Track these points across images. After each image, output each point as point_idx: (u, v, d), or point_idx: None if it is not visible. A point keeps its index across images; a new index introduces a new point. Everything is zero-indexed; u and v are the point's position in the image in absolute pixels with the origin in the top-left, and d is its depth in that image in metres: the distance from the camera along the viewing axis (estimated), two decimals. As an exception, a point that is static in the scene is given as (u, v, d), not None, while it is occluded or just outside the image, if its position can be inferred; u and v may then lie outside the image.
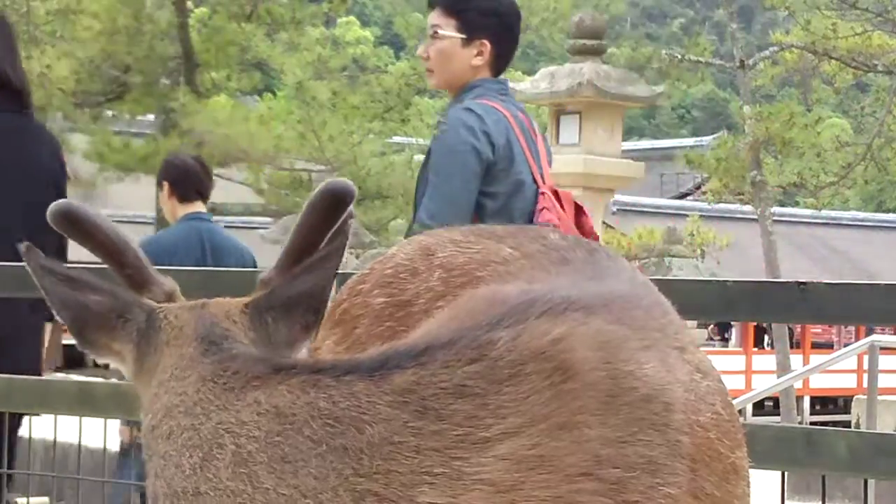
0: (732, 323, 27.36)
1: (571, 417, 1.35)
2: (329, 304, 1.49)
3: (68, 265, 1.53)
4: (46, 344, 4.70)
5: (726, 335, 30.09)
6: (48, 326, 4.66)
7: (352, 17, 44.67)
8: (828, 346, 26.90)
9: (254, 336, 1.46)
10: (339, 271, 1.49)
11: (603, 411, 1.37)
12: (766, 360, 22.58)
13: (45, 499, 6.83)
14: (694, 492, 1.43)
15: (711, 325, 27.65)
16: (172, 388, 1.41)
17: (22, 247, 1.46)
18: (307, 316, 1.47)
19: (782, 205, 31.16)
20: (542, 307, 1.43)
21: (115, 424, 4.85)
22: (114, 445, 5.19)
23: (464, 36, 3.76)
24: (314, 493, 1.31)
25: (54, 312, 1.46)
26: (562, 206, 3.73)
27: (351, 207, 1.49)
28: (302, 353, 1.49)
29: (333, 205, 1.48)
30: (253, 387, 1.38)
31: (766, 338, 27.56)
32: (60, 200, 1.53)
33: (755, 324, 25.68)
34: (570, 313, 1.43)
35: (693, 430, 1.45)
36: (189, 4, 20.31)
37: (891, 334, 12.71)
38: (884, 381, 9.07)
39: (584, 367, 1.38)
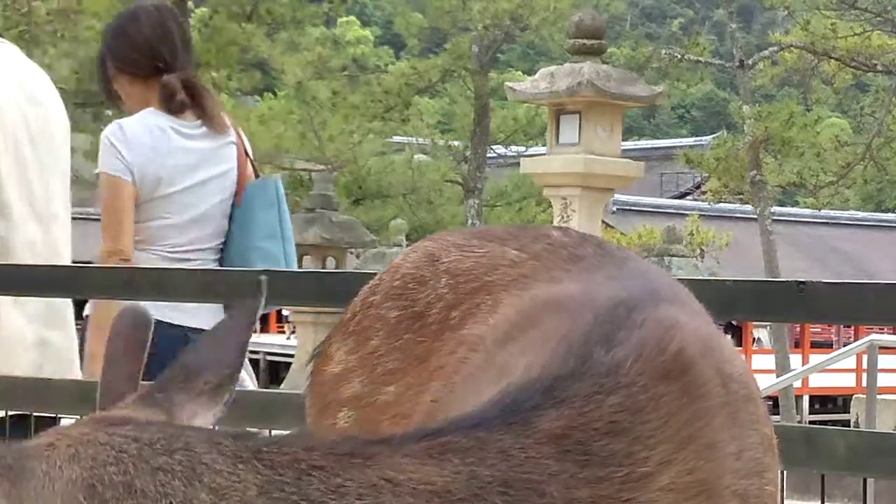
0: (735, 322, 27.37)
1: (714, 437, 1.30)
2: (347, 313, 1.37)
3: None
4: None
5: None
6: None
7: (352, 17, 44.64)
8: (827, 346, 26.88)
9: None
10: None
11: (726, 423, 1.33)
12: (765, 360, 22.58)
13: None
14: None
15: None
16: None
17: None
18: (213, 379, 1.23)
19: (782, 204, 31.20)
20: (638, 314, 1.36)
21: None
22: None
23: None
24: None
25: None
26: None
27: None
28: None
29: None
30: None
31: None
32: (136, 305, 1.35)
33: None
34: (662, 311, 1.38)
35: (765, 422, 1.45)
36: (190, 4, 20.30)
37: (890, 333, 12.72)
38: (883, 380, 9.07)
39: (705, 378, 1.33)
